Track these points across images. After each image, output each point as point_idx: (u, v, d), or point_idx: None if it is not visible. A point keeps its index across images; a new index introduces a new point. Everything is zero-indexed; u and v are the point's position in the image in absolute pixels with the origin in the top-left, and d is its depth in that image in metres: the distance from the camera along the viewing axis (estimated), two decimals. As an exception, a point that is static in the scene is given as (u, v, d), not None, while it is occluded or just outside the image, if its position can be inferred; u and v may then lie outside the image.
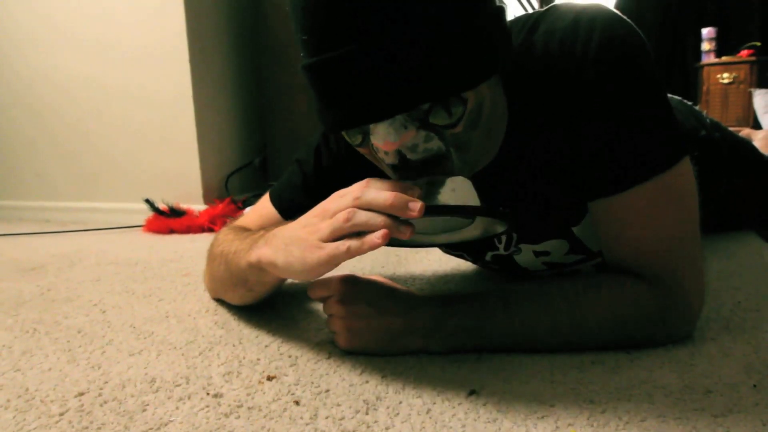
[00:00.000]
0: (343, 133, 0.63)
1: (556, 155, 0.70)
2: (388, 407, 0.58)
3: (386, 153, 0.59)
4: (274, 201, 0.91)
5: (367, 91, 0.54)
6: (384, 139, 0.56)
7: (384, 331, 0.68)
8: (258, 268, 0.68)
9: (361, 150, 0.65)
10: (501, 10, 0.62)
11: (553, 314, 0.67)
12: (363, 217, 0.55)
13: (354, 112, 0.55)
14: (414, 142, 0.58)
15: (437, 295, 0.71)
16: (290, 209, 0.90)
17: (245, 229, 0.91)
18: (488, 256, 0.88)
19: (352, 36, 0.52)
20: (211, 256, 0.85)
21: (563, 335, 0.67)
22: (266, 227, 0.90)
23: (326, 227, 0.57)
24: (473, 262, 0.98)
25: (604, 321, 0.67)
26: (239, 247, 0.74)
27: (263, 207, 0.93)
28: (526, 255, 0.84)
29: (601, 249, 0.73)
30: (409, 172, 0.61)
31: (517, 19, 0.72)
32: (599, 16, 0.65)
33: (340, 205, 0.57)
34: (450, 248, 0.93)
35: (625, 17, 0.66)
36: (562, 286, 0.68)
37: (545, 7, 0.71)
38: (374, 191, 0.56)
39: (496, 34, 0.59)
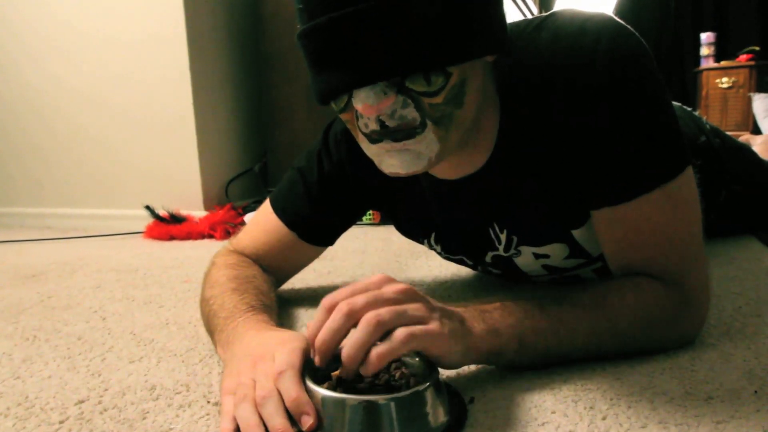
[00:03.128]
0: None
1: (556, 161, 0.70)
2: (388, 414, 0.58)
3: (368, 119, 0.61)
4: (279, 213, 0.91)
5: (351, 55, 0.56)
6: (363, 102, 0.58)
7: None
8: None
9: (343, 117, 0.65)
10: None
11: (588, 316, 0.65)
12: None
13: (339, 78, 0.57)
14: (393, 108, 0.59)
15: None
16: (296, 221, 0.90)
17: (243, 258, 0.91)
18: (488, 257, 0.88)
19: (341, 2, 0.54)
20: (202, 295, 0.84)
21: (600, 338, 0.65)
22: (271, 245, 0.92)
23: (241, 413, 0.53)
24: (473, 267, 0.98)
25: (634, 323, 0.66)
26: (218, 313, 0.75)
27: (267, 221, 0.92)
28: (526, 258, 0.84)
29: (605, 254, 0.72)
30: (381, 136, 0.62)
31: (521, 21, 0.72)
32: (605, 25, 0.65)
33: (262, 388, 0.53)
34: (448, 252, 0.93)
35: (629, 27, 0.66)
36: (589, 291, 0.67)
37: (550, 12, 0.71)
38: (271, 407, 0.51)
39: (489, 17, 0.60)
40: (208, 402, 0.63)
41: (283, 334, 0.63)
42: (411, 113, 0.60)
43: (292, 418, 0.51)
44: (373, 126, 0.61)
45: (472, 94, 0.62)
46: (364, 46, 0.55)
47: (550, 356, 0.65)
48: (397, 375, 0.56)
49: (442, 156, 0.64)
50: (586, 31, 0.65)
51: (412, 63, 0.56)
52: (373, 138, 0.62)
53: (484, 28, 0.59)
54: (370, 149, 0.65)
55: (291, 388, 0.52)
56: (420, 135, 0.61)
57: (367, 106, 0.58)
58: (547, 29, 0.68)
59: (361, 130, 0.63)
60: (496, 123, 0.71)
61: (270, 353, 0.58)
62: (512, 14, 3.13)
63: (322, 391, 0.52)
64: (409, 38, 0.55)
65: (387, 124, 0.60)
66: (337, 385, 0.54)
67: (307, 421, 0.50)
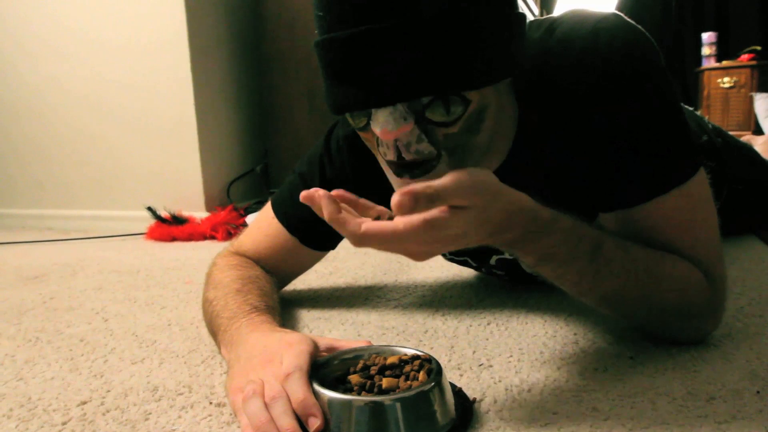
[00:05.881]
0: (348, 116, 0.62)
1: (568, 166, 0.70)
2: (390, 415, 0.58)
3: (387, 147, 0.59)
4: (280, 217, 0.90)
5: (372, 73, 0.54)
6: (382, 126, 0.56)
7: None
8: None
9: (363, 135, 0.64)
10: (522, 18, 0.61)
11: (632, 276, 0.64)
12: None
13: (357, 94, 0.56)
14: (409, 139, 0.57)
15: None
16: (297, 225, 0.90)
17: (245, 259, 0.91)
18: (493, 260, 0.88)
19: (365, 17, 0.53)
20: (204, 296, 0.84)
21: (630, 301, 0.66)
22: (273, 250, 0.91)
23: (250, 409, 0.53)
24: (476, 269, 0.98)
25: (673, 295, 0.66)
26: (221, 313, 0.75)
27: (269, 225, 0.92)
28: None
29: None
30: (401, 170, 0.61)
31: (531, 21, 0.72)
32: (618, 27, 0.64)
33: (271, 388, 0.54)
34: (453, 253, 0.93)
35: (640, 27, 0.66)
36: (646, 251, 0.65)
37: (559, 13, 0.70)
38: (280, 408, 0.52)
39: (514, 40, 0.59)
40: (211, 403, 0.63)
41: (289, 336, 0.63)
42: (427, 148, 0.58)
43: (300, 420, 0.51)
44: (391, 156, 0.59)
45: (490, 120, 0.61)
46: (384, 66, 0.54)
47: (578, 260, 0.61)
48: (407, 369, 0.56)
49: None
50: (598, 33, 0.64)
51: (432, 86, 0.54)
52: (397, 171, 0.62)
53: (506, 53, 0.58)
54: (392, 177, 0.64)
55: (298, 390, 0.52)
56: (435, 168, 0.60)
57: (386, 131, 0.56)
58: (558, 32, 0.67)
59: (382, 156, 0.62)
60: (512, 130, 0.70)
61: (278, 355, 0.58)
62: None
63: (328, 393, 0.52)
64: (430, 61, 0.53)
65: (404, 155, 0.58)
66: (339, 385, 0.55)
67: (314, 423, 0.50)
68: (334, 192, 0.55)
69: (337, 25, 0.54)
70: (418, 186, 0.48)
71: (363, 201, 0.52)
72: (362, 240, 0.51)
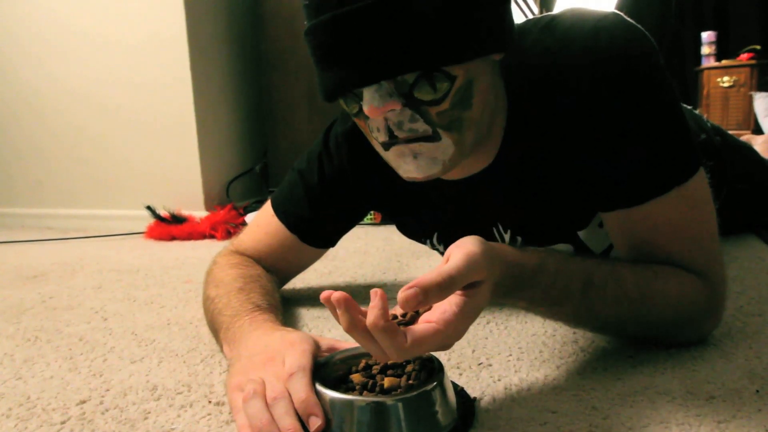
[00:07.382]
0: (342, 103, 0.64)
1: (564, 163, 0.70)
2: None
3: (378, 128, 0.61)
4: (281, 216, 0.91)
5: (356, 52, 0.56)
6: (369, 103, 0.57)
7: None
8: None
9: (358, 122, 0.66)
10: None
11: (626, 303, 0.64)
12: None
13: (343, 75, 0.57)
14: (399, 119, 0.59)
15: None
16: (297, 223, 0.90)
17: (246, 258, 0.92)
18: None
19: (346, 0, 0.55)
20: (205, 294, 0.84)
21: (628, 324, 0.67)
22: (273, 248, 0.92)
23: (251, 409, 0.52)
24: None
25: (668, 310, 0.66)
26: (223, 311, 0.75)
27: (269, 223, 0.92)
28: None
29: (622, 253, 0.71)
30: (397, 143, 0.62)
31: (526, 21, 0.72)
32: (618, 26, 0.65)
33: (273, 389, 0.53)
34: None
35: (640, 27, 0.66)
36: (636, 273, 0.65)
37: (557, 12, 0.70)
38: (282, 408, 0.51)
39: (495, 15, 0.60)
40: (210, 402, 0.63)
41: (291, 335, 0.63)
42: (421, 126, 0.60)
43: (302, 420, 0.51)
44: (383, 137, 0.61)
45: (481, 95, 0.62)
46: (367, 45, 0.55)
47: (570, 299, 0.62)
48: (409, 368, 0.56)
49: (457, 159, 0.64)
50: (598, 33, 0.64)
51: (415, 62, 0.56)
52: (385, 146, 0.63)
53: (490, 27, 0.59)
54: (386, 156, 0.65)
55: (301, 390, 0.52)
56: (436, 144, 0.61)
57: (372, 107, 0.57)
58: (557, 29, 0.67)
59: (375, 141, 0.64)
60: (502, 121, 0.71)
61: (280, 354, 0.58)
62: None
63: (330, 393, 0.52)
64: (412, 37, 0.55)
65: (396, 134, 0.60)
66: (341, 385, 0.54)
67: (315, 423, 0.50)
68: (341, 297, 0.50)
69: (320, 11, 0.56)
70: (427, 278, 0.48)
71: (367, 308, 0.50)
72: (408, 352, 0.48)
